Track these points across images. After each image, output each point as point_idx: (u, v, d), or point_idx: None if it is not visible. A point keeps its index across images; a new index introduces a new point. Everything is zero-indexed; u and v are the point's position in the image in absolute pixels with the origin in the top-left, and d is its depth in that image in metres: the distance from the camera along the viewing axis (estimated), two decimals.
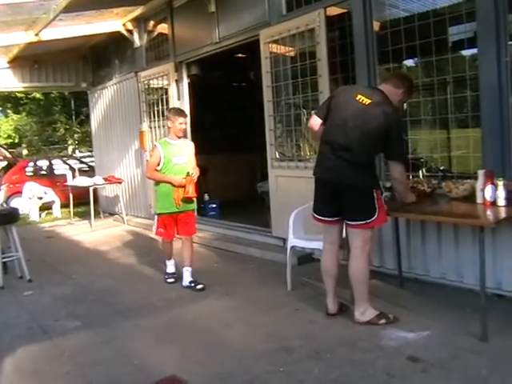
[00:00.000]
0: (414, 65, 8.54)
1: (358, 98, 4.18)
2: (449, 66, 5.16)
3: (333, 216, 4.35)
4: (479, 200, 4.20)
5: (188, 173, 5.73)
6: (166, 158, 5.76)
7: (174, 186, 5.73)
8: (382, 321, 4.27)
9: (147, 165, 5.81)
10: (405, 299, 4.88)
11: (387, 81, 4.40)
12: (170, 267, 6.20)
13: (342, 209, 4.27)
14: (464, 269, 4.82)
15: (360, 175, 4.12)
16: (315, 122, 4.45)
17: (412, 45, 5.13)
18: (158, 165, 5.76)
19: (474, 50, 5.06)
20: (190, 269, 5.89)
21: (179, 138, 5.91)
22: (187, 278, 5.85)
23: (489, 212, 3.97)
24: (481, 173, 4.23)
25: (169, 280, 6.10)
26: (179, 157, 5.82)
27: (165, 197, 5.80)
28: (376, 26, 5.64)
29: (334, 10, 6.18)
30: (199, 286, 5.70)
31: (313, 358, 3.81)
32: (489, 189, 4.08)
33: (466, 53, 6.74)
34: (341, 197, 4.21)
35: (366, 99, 4.16)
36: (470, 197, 4.36)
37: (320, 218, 4.43)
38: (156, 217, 6.11)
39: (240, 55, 10.93)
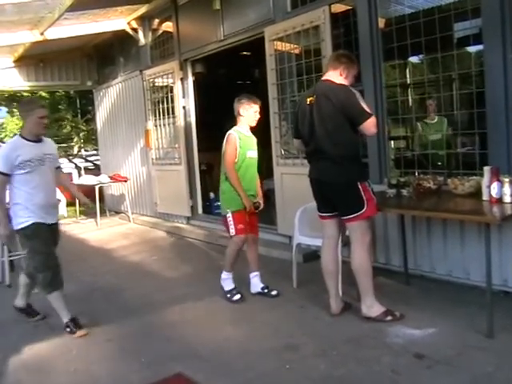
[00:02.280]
0: (419, 61, 8.53)
1: (308, 102, 4.36)
2: (454, 63, 5.15)
3: (328, 212, 4.48)
4: (485, 197, 4.18)
5: (256, 202, 5.28)
6: (242, 149, 5.15)
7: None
8: (389, 318, 4.27)
9: (225, 156, 5.13)
10: (411, 296, 4.87)
11: (327, 68, 4.51)
12: (231, 281, 5.30)
13: (335, 205, 4.39)
14: (470, 266, 4.81)
15: (342, 171, 4.22)
16: (297, 143, 4.77)
17: (417, 41, 5.12)
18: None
19: (480, 47, 5.04)
20: (258, 273, 5.40)
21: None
22: (258, 284, 5.35)
23: (495, 209, 3.96)
24: (487, 169, 4.22)
25: (236, 298, 5.17)
26: (253, 151, 5.28)
27: (236, 194, 5.14)
28: (381, 22, 5.62)
29: (338, 7, 6.18)
30: (273, 293, 5.23)
31: (318, 356, 3.81)
32: (495, 185, 4.07)
33: (472, 49, 6.71)
34: (330, 194, 4.35)
35: (311, 98, 4.34)
36: (476, 194, 4.34)
37: (319, 213, 4.58)
38: (229, 216, 5.16)
39: (245, 53, 10.91)
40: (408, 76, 7.85)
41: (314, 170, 4.47)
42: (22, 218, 4.51)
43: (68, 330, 4.60)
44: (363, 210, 4.21)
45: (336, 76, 4.33)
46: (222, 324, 4.63)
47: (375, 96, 5.50)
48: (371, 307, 4.30)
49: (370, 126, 4.12)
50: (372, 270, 4.34)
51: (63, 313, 4.67)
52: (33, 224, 4.51)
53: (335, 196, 4.32)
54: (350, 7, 6.14)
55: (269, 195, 7.58)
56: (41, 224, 4.56)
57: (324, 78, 4.45)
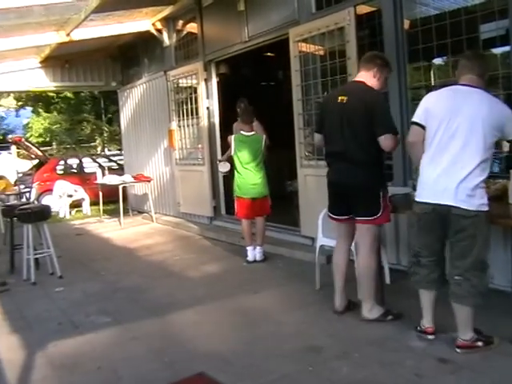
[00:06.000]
0: (443, 63, 8.45)
1: (339, 100, 4.32)
2: None
3: (342, 214, 4.49)
4: (511, 200, 4.14)
5: None
6: None
7: None
8: (390, 317, 4.35)
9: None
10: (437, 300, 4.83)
11: (359, 69, 4.46)
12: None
13: (350, 207, 4.40)
14: (495, 269, 4.74)
15: (364, 175, 4.23)
16: (317, 138, 4.71)
17: (443, 43, 5.08)
18: None
19: (507, 48, 4.99)
20: None
21: None
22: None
23: None
24: None
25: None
26: None
27: None
28: (406, 24, 5.59)
29: (363, 9, 6.15)
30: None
31: (341, 358, 3.80)
32: None
33: (498, 51, 6.64)
34: (348, 196, 4.36)
35: (343, 97, 4.30)
36: (502, 197, 4.29)
37: (332, 216, 4.59)
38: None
39: (269, 54, 10.92)
40: (432, 78, 7.79)
41: (335, 171, 4.46)
42: (486, 198, 3.62)
43: (480, 344, 3.72)
44: (378, 215, 4.24)
45: (369, 78, 4.30)
46: (244, 325, 4.64)
47: (400, 98, 5.49)
48: (371, 310, 4.37)
49: (388, 142, 4.10)
50: (376, 274, 4.40)
51: (470, 328, 3.73)
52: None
53: (354, 197, 4.32)
54: (375, 8, 6.11)
55: (292, 197, 7.60)
56: None
57: (356, 78, 4.43)
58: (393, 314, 4.37)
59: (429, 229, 3.78)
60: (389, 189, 4.43)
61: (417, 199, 3.83)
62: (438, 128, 3.64)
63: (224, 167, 7.66)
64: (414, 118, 3.84)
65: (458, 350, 3.69)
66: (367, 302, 4.38)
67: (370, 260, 4.34)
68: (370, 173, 4.23)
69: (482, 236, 3.62)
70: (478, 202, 3.54)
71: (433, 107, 3.72)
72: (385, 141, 4.09)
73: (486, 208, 3.59)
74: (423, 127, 3.76)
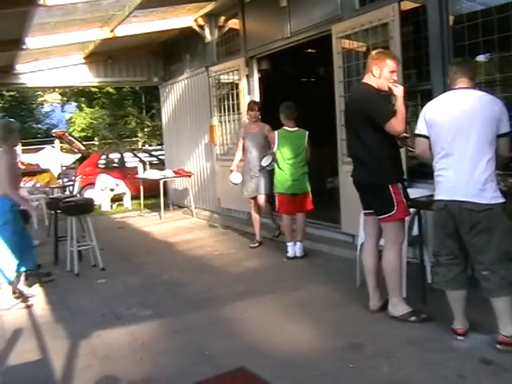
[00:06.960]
0: (488, 60, 8.29)
1: (347, 105, 4.58)
2: None
3: (366, 209, 4.61)
4: None
5: None
6: None
7: None
8: (413, 318, 4.31)
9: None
10: (479, 300, 4.75)
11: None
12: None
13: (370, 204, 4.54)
14: None
15: (370, 174, 4.35)
16: None
17: (489, 39, 4.99)
18: None
19: None
20: None
21: None
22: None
23: None
24: None
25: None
26: None
27: None
28: (451, 20, 5.50)
29: (407, 4, 6.07)
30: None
31: (382, 356, 3.78)
32: None
33: None
34: (364, 194, 4.53)
35: (348, 101, 4.56)
36: None
37: (363, 211, 4.71)
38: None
39: (310, 50, 10.88)
40: (478, 74, 7.66)
41: (352, 171, 4.62)
42: (499, 192, 3.70)
43: None
44: (393, 212, 4.28)
45: (369, 77, 4.36)
46: (284, 321, 4.65)
47: None
48: (396, 306, 4.37)
49: (393, 125, 4.12)
50: (401, 270, 4.42)
51: (510, 322, 3.68)
52: None
53: (369, 196, 4.48)
54: (419, 4, 6.02)
55: (332, 194, 7.57)
56: None
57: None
58: (418, 316, 4.31)
59: (443, 225, 3.83)
60: (429, 187, 4.38)
61: (434, 199, 3.93)
62: (440, 133, 3.78)
63: (235, 178, 7.60)
64: (416, 131, 4.00)
65: (499, 346, 3.66)
66: (392, 298, 4.41)
67: (392, 255, 4.36)
68: (376, 171, 4.31)
69: (498, 228, 3.66)
70: (489, 195, 3.61)
71: (432, 116, 3.86)
72: (391, 128, 4.14)
73: (499, 200, 3.64)
74: (426, 137, 3.91)
